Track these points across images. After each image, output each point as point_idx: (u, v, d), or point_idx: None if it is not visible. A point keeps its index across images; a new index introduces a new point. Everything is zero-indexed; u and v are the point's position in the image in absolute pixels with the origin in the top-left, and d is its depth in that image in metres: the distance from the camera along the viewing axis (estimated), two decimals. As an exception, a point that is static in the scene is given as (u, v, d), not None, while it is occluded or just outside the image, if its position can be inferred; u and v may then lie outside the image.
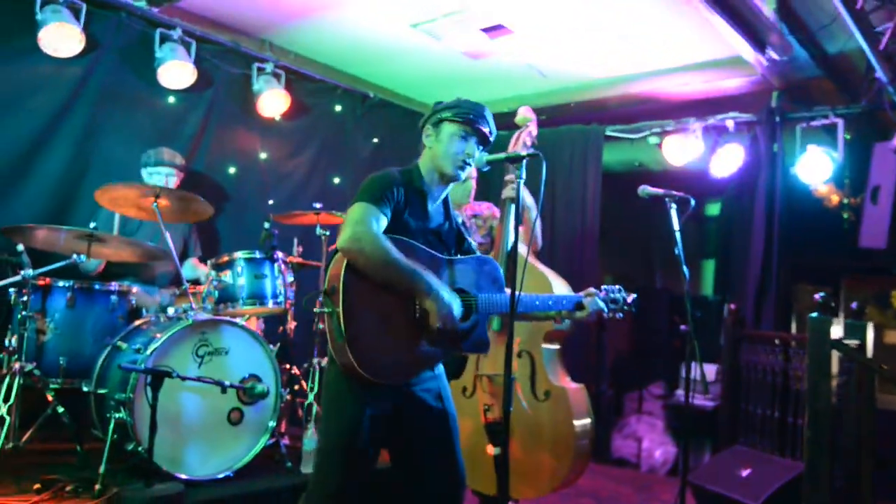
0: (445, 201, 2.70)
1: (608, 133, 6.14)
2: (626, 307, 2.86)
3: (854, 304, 3.98)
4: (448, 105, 2.58)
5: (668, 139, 5.77)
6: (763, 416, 5.13)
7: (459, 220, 2.79)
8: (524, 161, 2.49)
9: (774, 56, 4.27)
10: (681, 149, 5.72)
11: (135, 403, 3.19)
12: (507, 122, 3.77)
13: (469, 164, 2.55)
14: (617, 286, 2.87)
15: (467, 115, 2.53)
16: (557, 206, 6.40)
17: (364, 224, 2.32)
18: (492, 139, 2.61)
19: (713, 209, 8.38)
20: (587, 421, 3.89)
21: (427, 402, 2.57)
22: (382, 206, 2.40)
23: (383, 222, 2.40)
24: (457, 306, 2.44)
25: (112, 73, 4.48)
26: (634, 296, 2.89)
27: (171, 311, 3.68)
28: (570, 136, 6.28)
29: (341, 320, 2.28)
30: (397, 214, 2.46)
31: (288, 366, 4.22)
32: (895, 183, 4.72)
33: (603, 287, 2.83)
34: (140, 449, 3.16)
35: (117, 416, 3.20)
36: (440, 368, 2.68)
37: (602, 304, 2.76)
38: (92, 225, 3.42)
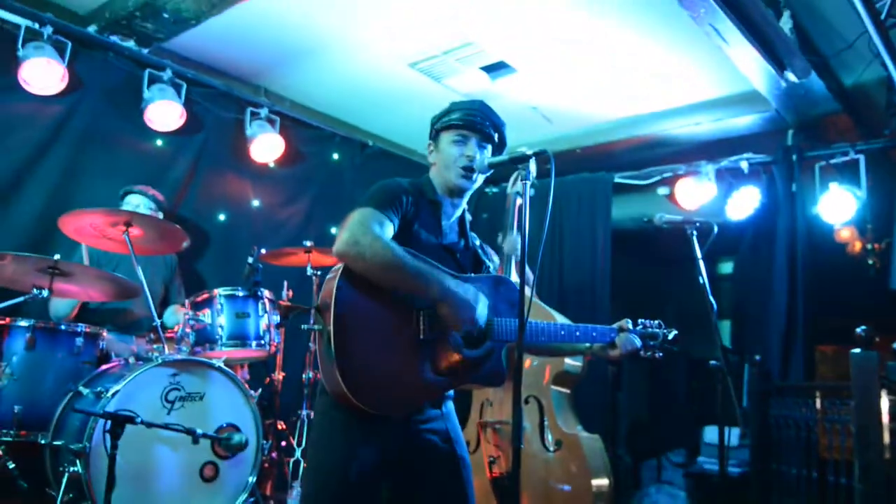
0: (462, 221, 2.41)
1: (617, 180, 5.87)
2: (666, 344, 2.49)
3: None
4: (441, 113, 2.37)
5: (679, 183, 5.49)
6: (799, 477, 4.61)
7: (478, 243, 2.46)
8: (530, 163, 2.21)
9: (793, 78, 4.00)
10: (693, 193, 5.42)
11: (91, 455, 2.80)
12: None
13: (473, 169, 2.28)
14: (656, 320, 2.52)
15: (460, 117, 2.30)
16: (566, 260, 6.10)
17: (364, 226, 2.02)
18: (497, 133, 2.35)
19: (726, 267, 8.05)
20: (605, 482, 3.47)
21: (435, 446, 2.18)
22: (388, 212, 2.10)
23: (388, 229, 2.08)
24: (483, 306, 2.10)
25: (96, 113, 4.26)
26: (675, 332, 2.53)
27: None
28: (577, 186, 6.02)
29: (331, 339, 1.94)
30: (406, 225, 2.17)
31: (273, 420, 3.80)
32: (926, 218, 4.37)
33: (639, 321, 2.48)
34: (95, 508, 2.73)
35: (72, 469, 2.79)
36: (449, 406, 2.29)
37: (638, 341, 2.40)
38: (56, 256, 3.08)
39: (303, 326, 2.06)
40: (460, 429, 2.30)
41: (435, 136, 2.34)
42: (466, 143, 2.28)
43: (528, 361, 3.57)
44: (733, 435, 5.91)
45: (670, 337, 2.50)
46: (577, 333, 2.35)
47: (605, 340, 2.38)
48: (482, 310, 2.11)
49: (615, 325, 2.42)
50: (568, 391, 3.59)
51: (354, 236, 1.98)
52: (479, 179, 2.32)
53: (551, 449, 3.34)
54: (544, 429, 3.38)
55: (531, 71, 4.71)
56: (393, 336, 2.04)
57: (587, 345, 2.40)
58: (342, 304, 1.98)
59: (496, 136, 2.33)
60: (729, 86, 4.71)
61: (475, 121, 2.28)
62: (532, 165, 3.57)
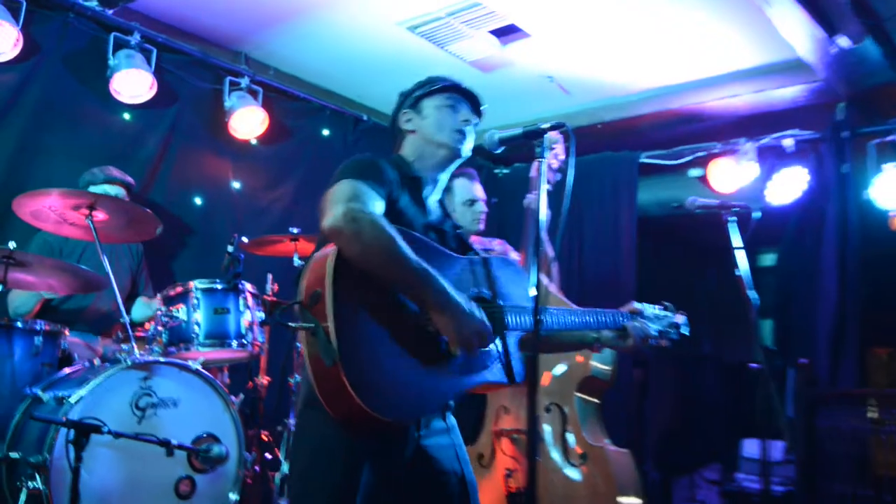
0: (441, 203, 2.41)
1: (643, 160, 5.87)
2: (672, 329, 2.55)
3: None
4: (419, 84, 2.37)
5: (714, 163, 5.49)
6: (850, 496, 4.62)
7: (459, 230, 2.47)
8: (546, 138, 2.21)
9: (845, 44, 3.99)
10: (730, 174, 5.42)
11: (52, 468, 2.82)
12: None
13: (466, 134, 2.28)
14: (661, 304, 2.58)
15: (446, 83, 2.32)
16: (586, 250, 6.13)
17: (360, 200, 1.93)
18: (484, 107, 2.38)
19: (767, 259, 8.04)
20: (635, 502, 3.48)
21: (443, 465, 2.14)
22: (377, 188, 2.03)
23: (379, 206, 2.00)
24: (480, 321, 2.02)
25: (55, 82, 4.26)
26: (684, 316, 2.58)
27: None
28: (598, 166, 6.02)
29: (332, 336, 1.82)
30: (390, 204, 2.10)
31: (257, 430, 3.83)
32: None
33: (644, 305, 2.53)
34: (57, 528, 2.75)
35: (30, 485, 2.81)
36: (453, 420, 2.25)
37: (652, 329, 2.44)
38: (12, 244, 3.08)
39: (290, 325, 1.92)
40: (464, 446, 2.29)
41: (413, 104, 2.32)
42: (459, 110, 2.28)
43: (548, 374, 3.58)
44: (776, 448, 5.93)
45: (678, 320, 2.54)
46: (588, 318, 2.36)
47: (616, 325, 2.40)
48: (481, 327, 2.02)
49: (625, 309, 2.45)
50: (595, 400, 3.61)
51: (351, 211, 1.88)
52: (468, 148, 2.31)
53: (575, 463, 3.35)
54: (567, 440, 3.38)
55: (547, 35, 4.69)
56: (400, 328, 1.95)
57: (594, 335, 2.41)
58: (342, 293, 1.85)
59: (481, 105, 2.36)
60: (771, 53, 4.69)
61: (463, 86, 2.32)
62: (559, 146, 3.62)
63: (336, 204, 1.91)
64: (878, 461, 4.53)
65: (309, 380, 1.92)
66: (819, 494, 4.86)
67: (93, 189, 3.94)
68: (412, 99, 2.33)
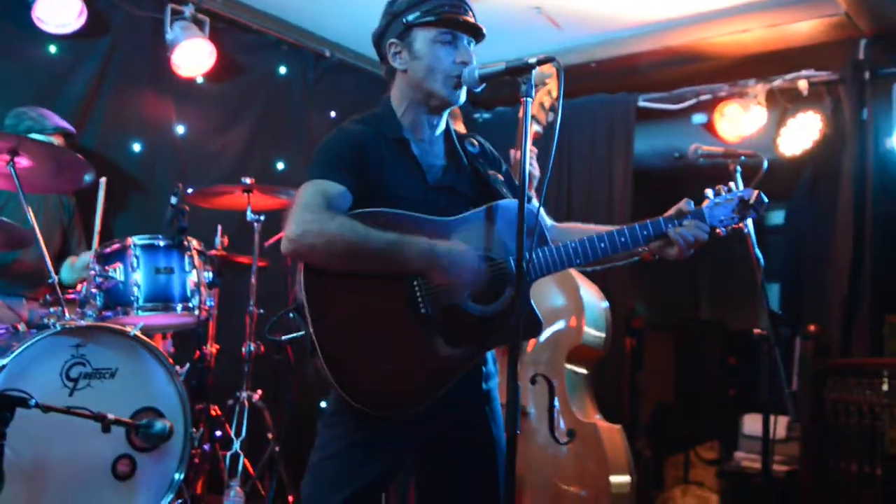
0: (448, 134, 2.41)
1: (641, 104, 5.88)
2: (745, 211, 2.36)
3: None
4: (409, 4, 2.29)
5: (720, 108, 5.52)
6: (860, 475, 4.73)
7: (476, 149, 2.44)
8: (532, 75, 2.16)
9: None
10: (737, 120, 5.46)
11: (-28, 446, 2.78)
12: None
13: (464, 77, 2.25)
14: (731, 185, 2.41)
15: (441, 8, 2.25)
16: (575, 204, 6.14)
17: (309, 209, 2.09)
18: (484, 31, 2.33)
19: (776, 217, 8.12)
20: (626, 479, 3.56)
21: (469, 431, 2.31)
22: (340, 175, 2.15)
23: (344, 198, 2.14)
24: (472, 256, 2.15)
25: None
26: (758, 192, 2.38)
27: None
28: (591, 110, 6.03)
29: (316, 343, 2.04)
30: (373, 180, 2.20)
31: (205, 404, 3.86)
32: None
33: (707, 192, 2.37)
34: (-22, 513, 2.74)
35: (-53, 465, 2.78)
36: (491, 368, 2.39)
37: (703, 232, 2.29)
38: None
39: (283, 338, 2.16)
40: (500, 406, 2.35)
41: (404, 32, 2.28)
42: (457, 46, 2.26)
43: (532, 340, 3.58)
44: (780, 425, 6.04)
45: (753, 199, 2.35)
46: (623, 240, 2.29)
47: (659, 233, 2.30)
48: (472, 259, 2.15)
49: (672, 212, 2.34)
50: (585, 371, 3.65)
51: (300, 226, 2.05)
52: (465, 94, 2.31)
53: (563, 441, 3.40)
54: (554, 416, 3.42)
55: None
56: (392, 320, 2.13)
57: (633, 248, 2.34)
58: (319, 298, 2.07)
59: (482, 30, 2.31)
60: (787, -19, 4.70)
61: (463, 13, 2.26)
62: (553, 80, 3.55)
63: (289, 220, 2.09)
64: (891, 437, 4.63)
65: None
66: (825, 473, 4.97)
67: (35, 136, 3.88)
68: (401, 25, 2.28)
